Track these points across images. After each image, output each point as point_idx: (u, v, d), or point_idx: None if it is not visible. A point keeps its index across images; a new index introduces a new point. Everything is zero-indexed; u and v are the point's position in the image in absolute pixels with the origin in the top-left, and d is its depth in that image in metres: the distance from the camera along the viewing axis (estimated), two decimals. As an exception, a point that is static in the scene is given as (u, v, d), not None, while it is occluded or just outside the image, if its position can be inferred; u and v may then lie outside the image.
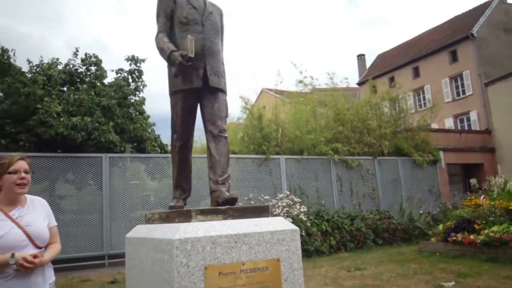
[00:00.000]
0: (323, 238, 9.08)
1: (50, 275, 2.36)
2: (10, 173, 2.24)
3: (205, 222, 2.91)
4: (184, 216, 3.02)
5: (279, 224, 3.10)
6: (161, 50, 3.59)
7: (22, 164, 2.30)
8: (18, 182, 2.26)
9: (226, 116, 3.86)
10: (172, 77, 3.72)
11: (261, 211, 3.19)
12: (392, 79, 27.80)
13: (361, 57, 37.89)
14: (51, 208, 2.58)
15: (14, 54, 9.71)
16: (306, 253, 8.54)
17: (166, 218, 3.32)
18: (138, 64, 11.51)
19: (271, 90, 16.64)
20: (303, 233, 8.61)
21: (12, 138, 8.92)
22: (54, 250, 2.40)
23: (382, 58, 35.50)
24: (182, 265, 2.64)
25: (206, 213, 2.99)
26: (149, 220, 3.69)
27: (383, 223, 10.29)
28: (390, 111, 14.03)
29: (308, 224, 8.87)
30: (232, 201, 3.22)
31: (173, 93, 3.69)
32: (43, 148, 8.97)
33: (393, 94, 14.47)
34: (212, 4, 3.86)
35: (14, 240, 2.14)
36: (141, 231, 3.68)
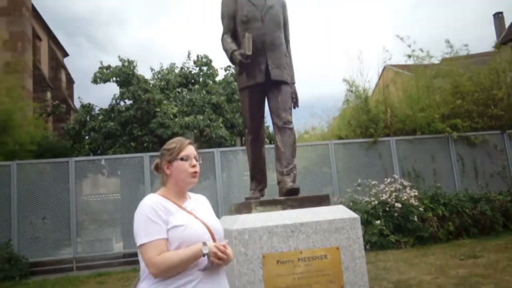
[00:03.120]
0: (440, 223, 8.48)
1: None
2: (182, 159, 1.94)
3: (263, 213, 3.08)
4: (246, 207, 3.22)
5: (338, 212, 3.12)
6: (225, 51, 3.81)
7: (193, 150, 2.00)
8: (190, 171, 1.95)
9: (292, 107, 3.94)
10: (238, 75, 3.94)
11: (320, 200, 3.23)
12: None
13: (498, 16, 33.25)
14: None
15: (136, 65, 11.05)
16: (420, 240, 8.09)
17: (237, 209, 3.57)
18: (245, 59, 12.07)
19: (394, 66, 15.77)
20: (416, 219, 8.18)
21: (139, 140, 10.21)
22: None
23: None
24: (241, 254, 2.85)
25: (265, 204, 3.15)
26: (229, 211, 4.00)
27: (515, 205, 9.17)
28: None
29: (421, 209, 8.37)
30: (293, 191, 3.31)
31: (240, 89, 3.90)
32: (164, 147, 10.09)
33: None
34: None
35: (197, 232, 1.83)
36: (220, 221, 4.00)
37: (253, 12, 3.72)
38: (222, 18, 3.89)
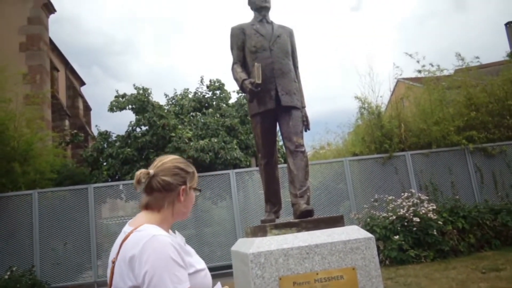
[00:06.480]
0: (460, 236, 8.37)
1: None
2: (196, 189, 1.66)
3: (279, 235, 3.14)
4: (261, 230, 3.29)
5: (352, 233, 3.16)
6: (236, 80, 3.94)
7: None
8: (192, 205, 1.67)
9: (303, 130, 4.03)
10: (249, 102, 4.06)
11: (334, 221, 3.27)
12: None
13: (510, 25, 32.95)
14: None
15: (151, 92, 11.32)
16: (441, 254, 7.98)
17: (253, 232, 3.64)
18: (257, 81, 12.29)
19: (407, 79, 15.87)
20: (435, 232, 8.09)
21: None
22: None
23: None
24: (258, 277, 2.91)
25: (280, 227, 3.21)
26: (245, 234, 4.07)
27: (537, 216, 8.98)
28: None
29: (440, 222, 8.28)
30: (307, 213, 3.37)
31: (252, 116, 4.01)
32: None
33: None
34: (281, 26, 4.06)
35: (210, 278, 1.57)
36: (237, 244, 4.08)
37: (262, 42, 3.85)
38: (232, 48, 4.02)
